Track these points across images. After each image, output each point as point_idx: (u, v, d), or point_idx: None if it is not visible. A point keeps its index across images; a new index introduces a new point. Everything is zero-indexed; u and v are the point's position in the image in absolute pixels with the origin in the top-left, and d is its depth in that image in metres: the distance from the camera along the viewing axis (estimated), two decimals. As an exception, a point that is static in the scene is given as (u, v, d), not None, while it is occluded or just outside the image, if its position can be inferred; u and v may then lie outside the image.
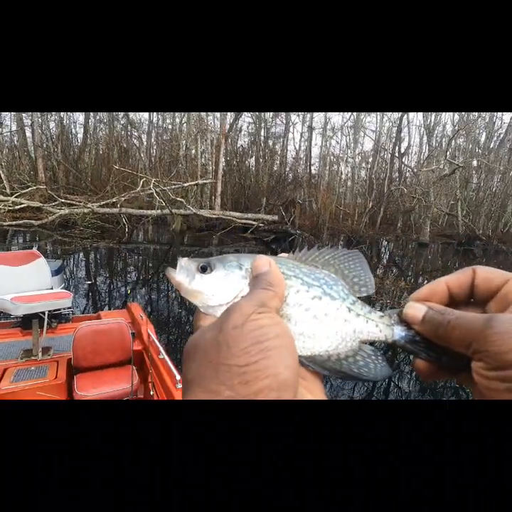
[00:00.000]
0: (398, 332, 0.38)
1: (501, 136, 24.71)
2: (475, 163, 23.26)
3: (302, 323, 0.36)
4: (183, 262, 0.38)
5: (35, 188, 15.65)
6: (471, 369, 0.31)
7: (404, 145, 25.74)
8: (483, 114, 23.85)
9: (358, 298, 0.40)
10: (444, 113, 25.30)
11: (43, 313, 3.24)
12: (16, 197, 14.47)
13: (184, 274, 0.37)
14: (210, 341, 0.31)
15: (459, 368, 0.35)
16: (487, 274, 0.36)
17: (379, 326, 0.39)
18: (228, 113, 21.17)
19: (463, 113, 23.40)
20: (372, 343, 0.39)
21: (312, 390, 0.35)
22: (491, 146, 24.81)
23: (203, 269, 0.37)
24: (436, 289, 0.38)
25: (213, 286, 0.37)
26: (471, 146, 23.97)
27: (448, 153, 19.66)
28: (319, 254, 0.41)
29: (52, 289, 3.79)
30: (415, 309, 0.37)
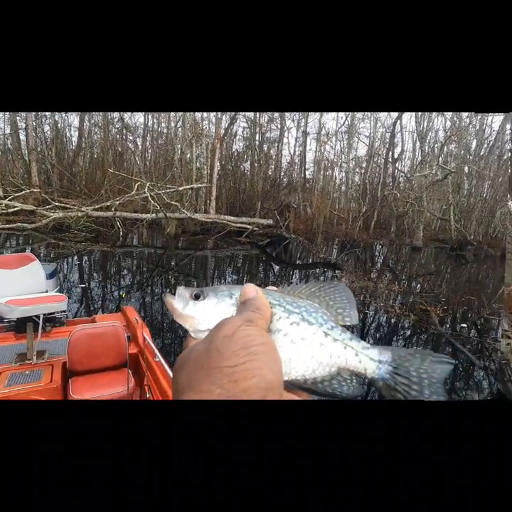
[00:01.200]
0: (382, 373, 0.37)
1: (491, 143, 25.22)
2: (466, 169, 23.65)
3: (280, 347, 0.37)
4: (180, 290, 0.42)
5: (29, 191, 15.55)
6: None
7: (397, 150, 26.12)
8: (473, 121, 24.34)
9: (343, 327, 0.40)
10: (436, 119, 25.75)
11: (38, 316, 3.22)
12: (9, 200, 14.34)
13: (180, 300, 0.41)
14: (200, 351, 0.34)
15: None
16: None
17: (359, 356, 0.38)
18: (223, 118, 21.28)
19: (455, 119, 23.84)
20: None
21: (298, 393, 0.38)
22: (482, 153, 25.27)
23: (197, 297, 0.41)
24: None
25: (204, 313, 0.40)
26: (462, 152, 24.35)
27: (440, 158, 19.98)
28: (306, 287, 0.43)
29: (46, 292, 3.78)
30: None
